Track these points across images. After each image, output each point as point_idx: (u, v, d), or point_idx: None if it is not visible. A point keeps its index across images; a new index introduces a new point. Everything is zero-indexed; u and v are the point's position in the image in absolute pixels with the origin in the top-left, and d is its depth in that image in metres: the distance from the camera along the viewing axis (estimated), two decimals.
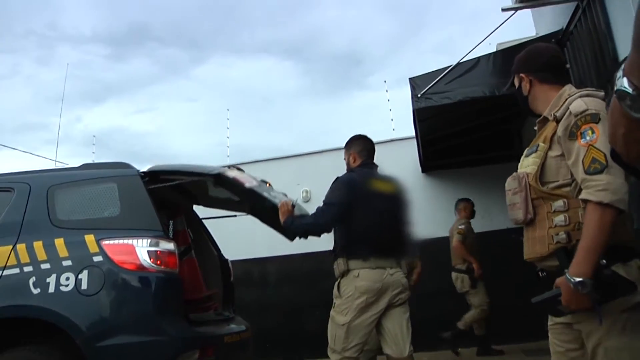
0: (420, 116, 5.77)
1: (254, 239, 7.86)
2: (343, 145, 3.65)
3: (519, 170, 2.03)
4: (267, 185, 4.05)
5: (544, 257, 1.91)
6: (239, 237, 6.83)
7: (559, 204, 1.85)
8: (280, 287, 7.86)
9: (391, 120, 8.60)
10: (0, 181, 3.68)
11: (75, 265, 3.17)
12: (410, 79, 5.14)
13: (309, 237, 3.33)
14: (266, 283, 8.01)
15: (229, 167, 4.20)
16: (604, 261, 1.70)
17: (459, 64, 5.05)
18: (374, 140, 8.13)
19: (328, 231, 3.25)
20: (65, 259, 3.20)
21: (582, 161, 1.74)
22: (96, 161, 5.17)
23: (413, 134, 6.97)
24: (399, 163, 7.83)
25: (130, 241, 3.23)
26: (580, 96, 1.86)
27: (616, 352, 1.74)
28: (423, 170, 7.79)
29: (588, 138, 1.75)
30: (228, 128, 9.65)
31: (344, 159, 3.59)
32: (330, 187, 3.32)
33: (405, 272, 3.37)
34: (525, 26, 8.02)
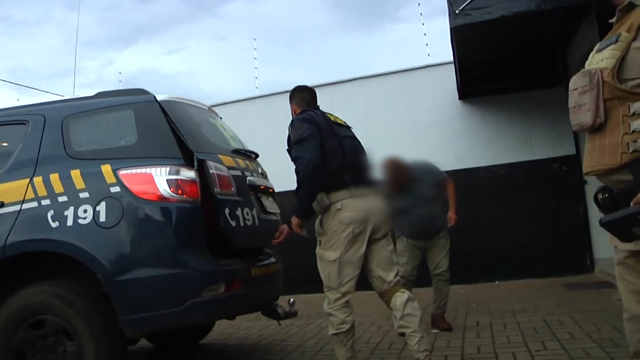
0: (458, 36, 5.35)
1: (283, 171, 7.65)
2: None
3: (587, 68, 1.69)
4: (261, 188, 3.80)
5: (613, 170, 1.60)
6: (269, 170, 6.72)
7: None
8: (312, 220, 7.71)
9: (426, 45, 8.13)
10: (15, 114, 3.52)
11: (93, 197, 3.02)
12: None
13: None
14: None
15: (239, 150, 3.84)
16: None
17: None
18: (409, 67, 7.79)
19: (320, 162, 2.95)
20: (82, 190, 3.05)
21: None
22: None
23: (450, 59, 6.56)
24: (435, 90, 7.51)
25: (148, 170, 3.04)
26: None
27: None
28: (460, 97, 7.39)
29: None
30: (255, 58, 9.32)
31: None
32: (291, 130, 3.09)
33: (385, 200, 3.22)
34: None
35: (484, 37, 5.50)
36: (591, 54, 1.74)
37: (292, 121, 3.15)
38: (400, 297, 3.01)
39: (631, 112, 1.55)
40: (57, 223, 3.00)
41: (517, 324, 4.39)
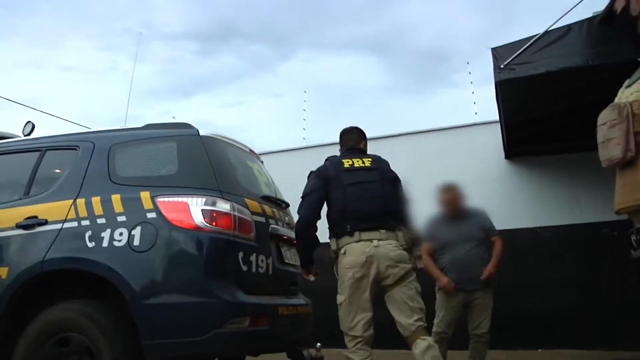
0: (504, 93, 5.34)
1: (325, 222, 7.64)
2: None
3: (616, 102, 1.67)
4: (284, 238, 3.76)
5: None
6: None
7: None
8: None
9: (473, 104, 8.13)
10: (68, 140, 3.72)
11: (130, 221, 3.11)
12: (492, 49, 4.74)
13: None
14: None
15: (269, 197, 3.85)
16: None
17: (547, 32, 4.59)
18: (455, 124, 7.78)
19: (312, 220, 3.28)
20: (120, 214, 3.14)
21: None
22: None
23: (497, 118, 6.53)
24: (481, 148, 7.46)
25: (185, 199, 3.12)
26: None
27: None
28: (507, 157, 7.29)
29: None
30: (305, 110, 9.56)
31: None
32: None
33: (404, 245, 3.17)
34: None
35: (529, 94, 5.48)
36: (620, 90, 1.73)
37: (310, 172, 3.40)
38: (421, 344, 2.99)
39: None
40: (93, 243, 3.09)
41: None
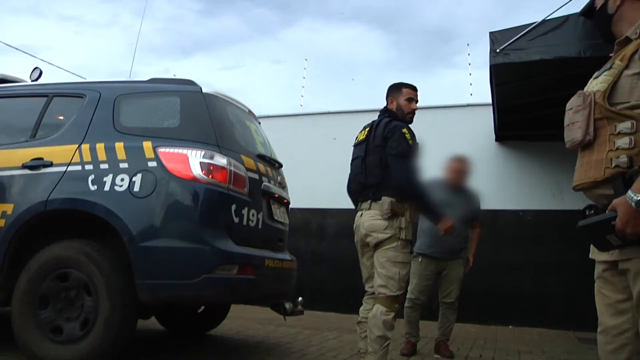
0: (498, 77, 5.48)
1: (316, 189, 7.88)
2: None
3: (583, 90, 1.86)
4: (275, 196, 4.03)
5: (597, 183, 1.74)
6: (301, 185, 6.80)
7: (626, 125, 1.67)
8: (338, 240, 7.73)
9: (470, 85, 8.27)
10: (75, 88, 3.88)
11: (131, 168, 3.30)
12: (490, 33, 4.86)
13: None
14: (324, 235, 7.99)
15: (264, 156, 4.04)
16: None
17: (544, 21, 4.72)
18: (449, 104, 7.90)
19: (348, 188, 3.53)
20: (123, 161, 3.33)
21: None
22: None
23: (490, 100, 6.68)
24: (473, 129, 7.62)
25: (184, 151, 3.30)
26: None
27: None
28: (497, 139, 7.48)
29: None
30: (304, 77, 9.66)
31: None
32: None
33: (384, 215, 3.14)
34: None
35: (522, 80, 5.63)
36: (589, 81, 1.90)
37: None
38: (372, 311, 3.16)
39: (617, 131, 1.69)
40: (95, 187, 3.28)
41: None
